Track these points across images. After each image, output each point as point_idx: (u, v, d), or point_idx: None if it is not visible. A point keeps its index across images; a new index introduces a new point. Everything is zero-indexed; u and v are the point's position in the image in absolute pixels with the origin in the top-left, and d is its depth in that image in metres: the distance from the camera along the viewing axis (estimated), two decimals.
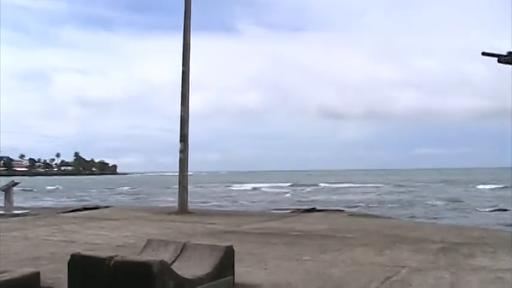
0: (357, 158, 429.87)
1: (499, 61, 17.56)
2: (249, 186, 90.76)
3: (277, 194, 67.33)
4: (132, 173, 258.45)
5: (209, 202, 49.67)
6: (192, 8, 20.02)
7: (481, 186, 78.02)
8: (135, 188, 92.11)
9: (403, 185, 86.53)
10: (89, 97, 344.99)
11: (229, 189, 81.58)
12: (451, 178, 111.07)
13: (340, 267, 8.40)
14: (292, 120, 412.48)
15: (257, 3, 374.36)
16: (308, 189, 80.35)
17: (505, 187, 74.52)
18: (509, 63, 17.25)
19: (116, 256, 5.76)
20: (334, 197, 58.70)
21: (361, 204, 46.83)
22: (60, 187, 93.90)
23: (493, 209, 40.42)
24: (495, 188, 73.78)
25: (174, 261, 6.39)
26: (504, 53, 17.16)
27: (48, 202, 47.08)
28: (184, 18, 19.90)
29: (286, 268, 8.41)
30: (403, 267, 8.35)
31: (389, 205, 46.16)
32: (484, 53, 17.73)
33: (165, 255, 6.37)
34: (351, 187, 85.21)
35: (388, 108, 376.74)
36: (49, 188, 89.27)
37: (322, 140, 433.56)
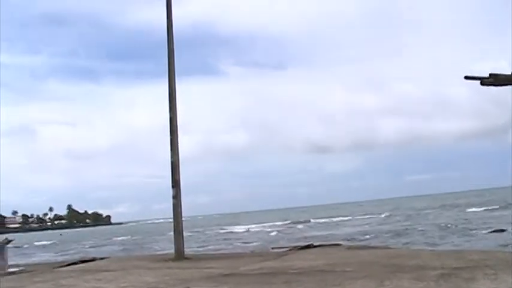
0: (348, 190, 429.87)
1: (482, 83, 17.73)
2: (242, 227, 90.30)
3: (271, 233, 67.01)
4: (127, 222, 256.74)
5: (205, 246, 49.36)
6: (175, 53, 20.19)
7: (474, 209, 78.04)
8: (130, 237, 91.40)
9: (397, 214, 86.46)
10: (77, 149, 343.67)
11: (224, 232, 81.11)
12: (444, 203, 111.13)
13: None
14: (280, 157, 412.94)
15: (238, 44, 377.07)
16: (301, 226, 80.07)
17: (499, 208, 74.71)
18: (492, 85, 17.44)
19: None
20: (330, 232, 58.48)
21: (357, 236, 46.71)
22: (55, 241, 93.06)
23: (490, 230, 40.42)
24: (487, 210, 73.83)
25: None
26: (486, 75, 17.35)
27: (43, 257, 46.63)
28: (168, 67, 20.04)
29: None
30: None
31: (385, 235, 46.03)
32: (466, 77, 17.93)
33: None
34: (345, 220, 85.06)
35: (374, 137, 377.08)
36: (43, 243, 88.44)
37: (311, 174, 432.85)
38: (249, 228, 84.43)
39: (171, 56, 20.05)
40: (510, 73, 17.46)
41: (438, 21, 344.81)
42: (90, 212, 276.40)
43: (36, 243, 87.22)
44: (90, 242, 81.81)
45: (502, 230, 39.62)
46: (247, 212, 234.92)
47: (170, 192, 19.59)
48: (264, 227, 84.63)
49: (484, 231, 40.18)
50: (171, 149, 19.67)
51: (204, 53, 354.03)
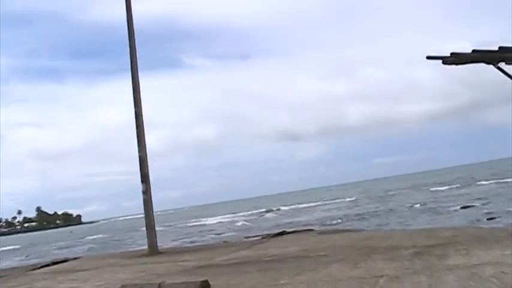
0: (318, 176, 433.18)
1: (443, 63, 17.91)
2: (214, 219, 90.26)
3: (243, 222, 67.07)
4: (98, 221, 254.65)
5: (179, 240, 49.21)
6: (138, 48, 20.05)
7: (443, 188, 79.03)
8: (102, 235, 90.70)
9: (366, 197, 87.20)
10: (45, 150, 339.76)
11: (196, 225, 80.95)
12: (413, 183, 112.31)
13: (318, 286, 8.37)
14: (249, 147, 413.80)
15: (201, 36, 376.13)
16: (273, 213, 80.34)
17: (467, 185, 75.84)
18: (454, 64, 17.59)
19: None
20: (301, 218, 58.73)
21: (328, 221, 47.00)
22: (25, 245, 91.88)
23: (459, 207, 41.01)
24: (456, 187, 74.86)
25: None
26: (447, 54, 17.50)
27: (14, 262, 46.03)
28: (131, 62, 19.88)
29: None
30: (381, 276, 8.37)
31: (356, 218, 46.42)
32: (428, 57, 18.08)
33: None
34: (315, 205, 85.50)
35: (343, 123, 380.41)
36: (13, 247, 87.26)
37: (282, 162, 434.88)
38: (221, 219, 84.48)
39: (132, 51, 19.90)
40: (471, 51, 17.69)
41: (400, 6, 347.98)
42: (60, 212, 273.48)
43: (3, 248, 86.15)
44: (61, 243, 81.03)
45: (470, 206, 40.25)
46: (219, 203, 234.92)
47: (140, 187, 19.47)
48: (236, 217, 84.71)
49: (453, 209, 40.72)
50: (138, 144, 19.54)
51: (168, 47, 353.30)
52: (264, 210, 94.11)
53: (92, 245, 62.38)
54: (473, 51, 17.78)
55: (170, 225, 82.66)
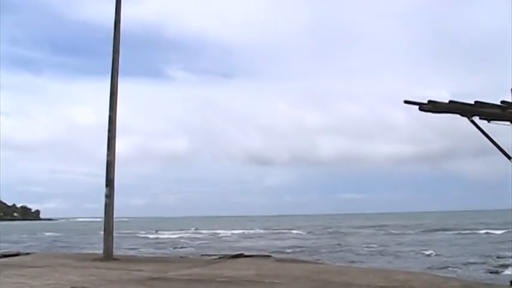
0: (283, 204, 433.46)
1: (420, 109, 18.18)
2: (175, 232, 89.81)
3: (204, 240, 66.84)
4: (57, 219, 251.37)
5: (135, 249, 48.78)
6: (120, 53, 19.99)
7: (405, 231, 79.60)
8: (58, 233, 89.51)
9: (329, 230, 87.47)
10: (10, 139, 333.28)
11: (155, 236, 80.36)
12: (376, 223, 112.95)
13: None
14: (219, 165, 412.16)
15: (186, 49, 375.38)
16: (232, 234, 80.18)
17: (429, 231, 76.53)
18: (430, 111, 17.87)
19: None
20: (262, 243, 58.67)
21: (288, 249, 47.01)
22: None
23: (418, 252, 41.33)
24: (418, 232, 75.46)
25: None
26: (425, 101, 17.77)
27: None
28: (112, 65, 19.83)
29: None
30: None
31: (317, 249, 46.49)
32: (406, 101, 18.34)
33: None
34: (278, 232, 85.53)
35: (313, 154, 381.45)
36: None
37: (249, 185, 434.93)
38: (180, 234, 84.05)
39: (115, 53, 19.85)
40: (447, 102, 17.96)
41: (384, 44, 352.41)
42: (18, 205, 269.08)
43: None
44: (15, 236, 79.74)
45: (427, 253, 40.60)
46: (181, 218, 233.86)
47: (103, 191, 19.33)
48: (196, 233, 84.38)
49: (411, 253, 41.01)
50: (108, 148, 19.44)
51: (151, 56, 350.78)
52: (225, 230, 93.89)
53: (45, 243, 61.52)
54: (450, 101, 18.05)
55: (129, 233, 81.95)
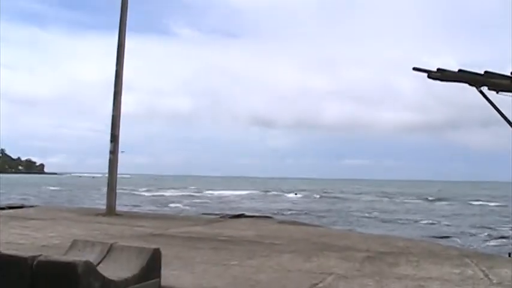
0: (285, 166, 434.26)
1: (429, 77, 18.05)
2: (178, 191, 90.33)
3: (205, 199, 67.23)
4: (61, 173, 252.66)
5: (138, 206, 49.11)
6: (129, 8, 19.82)
7: (407, 199, 79.87)
8: (62, 188, 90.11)
9: (332, 195, 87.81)
10: (16, 93, 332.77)
11: (157, 194, 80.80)
12: (377, 190, 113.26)
13: (267, 273, 8.41)
14: (222, 126, 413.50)
15: (193, 7, 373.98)
16: (233, 195, 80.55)
17: (433, 200, 76.78)
18: (439, 79, 17.76)
19: (40, 256, 5.59)
20: (263, 204, 59.01)
21: (289, 211, 47.27)
22: None
23: (420, 221, 41.52)
24: (420, 201, 75.68)
25: (100, 263, 6.26)
26: (434, 69, 17.64)
27: None
28: (120, 18, 19.66)
29: (213, 272, 8.37)
30: (330, 274, 8.43)
31: (318, 213, 46.69)
32: (415, 68, 18.19)
33: (91, 256, 6.23)
34: (280, 194, 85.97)
35: (318, 118, 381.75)
36: None
37: (252, 146, 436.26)
38: (183, 193, 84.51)
39: (124, 9, 19.67)
40: (457, 70, 17.83)
41: (394, 11, 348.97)
42: (23, 158, 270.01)
43: None
44: (19, 188, 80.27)
45: (429, 222, 40.81)
46: (184, 176, 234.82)
47: (107, 147, 19.35)
48: (199, 193, 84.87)
49: (412, 221, 41.20)
50: (114, 103, 19.38)
51: (158, 13, 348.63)
52: (225, 191, 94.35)
53: (49, 197, 61.96)
54: (460, 70, 17.94)
55: (133, 189, 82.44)
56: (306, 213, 46.25)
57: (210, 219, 20.89)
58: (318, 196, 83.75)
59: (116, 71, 19.48)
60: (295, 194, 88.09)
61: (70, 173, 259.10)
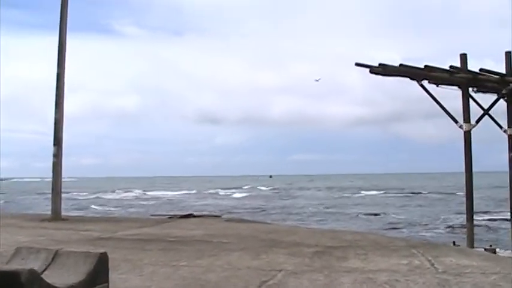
0: (234, 164, 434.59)
1: (371, 72, 18.31)
2: (126, 192, 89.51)
3: (154, 200, 66.79)
4: (3, 179, 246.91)
5: (85, 209, 48.46)
6: (69, 8, 19.46)
7: (356, 193, 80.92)
8: (5, 193, 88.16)
9: (280, 191, 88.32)
10: None
11: (104, 196, 79.94)
12: (326, 184, 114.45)
13: (216, 273, 8.38)
14: (171, 124, 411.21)
15: (135, 5, 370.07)
16: (182, 195, 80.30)
17: (380, 193, 77.96)
18: (381, 74, 18.01)
19: None
20: (211, 202, 58.98)
21: (237, 209, 47.37)
22: None
23: (367, 213, 42.17)
24: (368, 194, 76.77)
25: (45, 270, 6.13)
26: (376, 63, 17.84)
27: None
28: (60, 18, 19.26)
29: (161, 274, 8.30)
30: (279, 270, 8.45)
31: (265, 210, 46.92)
32: (357, 64, 18.42)
33: (36, 264, 6.09)
34: (229, 193, 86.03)
35: (265, 114, 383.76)
36: None
37: (200, 145, 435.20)
38: (131, 194, 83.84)
39: (64, 7, 19.30)
40: (398, 65, 18.14)
41: (337, 6, 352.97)
42: None
43: None
44: None
45: (377, 214, 41.46)
46: (132, 178, 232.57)
47: (51, 150, 19.00)
48: (147, 193, 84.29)
49: (360, 214, 41.79)
50: (56, 106, 18.99)
51: (100, 11, 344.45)
52: (176, 189, 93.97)
53: None
54: (401, 65, 18.28)
55: (78, 193, 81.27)
56: (254, 211, 46.41)
57: (159, 220, 20.72)
58: (265, 190, 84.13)
59: (58, 73, 19.08)
60: (242, 188, 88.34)
61: (15, 178, 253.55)
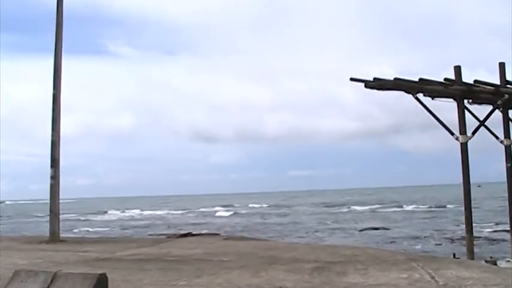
0: (230, 181, 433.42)
1: (366, 86, 18.34)
2: (121, 212, 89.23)
3: (153, 219, 66.53)
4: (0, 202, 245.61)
5: (82, 229, 48.24)
6: (64, 29, 19.54)
7: (355, 207, 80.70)
8: (2, 216, 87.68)
9: (277, 207, 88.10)
10: None
11: (99, 216, 79.58)
12: (324, 200, 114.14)
13: None
14: (164, 143, 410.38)
15: (128, 26, 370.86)
16: (178, 214, 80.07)
17: (379, 207, 77.84)
18: (376, 88, 18.05)
19: None
20: (210, 221, 58.74)
21: (236, 227, 47.19)
22: None
23: (365, 228, 42.01)
24: (366, 208, 76.62)
25: None
26: (370, 77, 17.87)
27: None
28: (56, 41, 19.36)
29: None
30: (279, 287, 8.43)
31: (264, 227, 46.77)
32: (352, 79, 18.46)
33: (34, 287, 6.08)
34: (227, 210, 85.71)
35: (260, 131, 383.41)
36: None
37: (195, 163, 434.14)
38: (127, 214, 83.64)
39: (59, 30, 19.38)
40: (393, 79, 18.18)
41: (328, 21, 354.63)
42: None
43: None
44: None
45: (375, 229, 41.30)
46: (128, 198, 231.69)
47: (48, 171, 18.96)
48: (143, 213, 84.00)
49: (358, 229, 41.65)
50: (52, 128, 19.03)
51: (94, 32, 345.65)
52: (171, 209, 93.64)
53: None
54: (395, 79, 18.30)
55: (77, 214, 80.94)
56: (251, 229, 46.24)
57: (157, 239, 20.66)
58: (264, 209, 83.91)
59: (53, 95, 19.14)
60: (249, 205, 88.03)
61: (10, 200, 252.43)
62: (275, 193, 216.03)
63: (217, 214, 76.91)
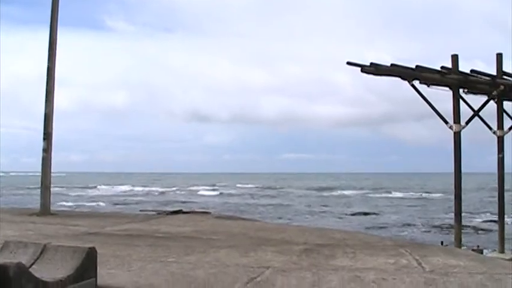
0: (223, 162, 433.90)
1: (362, 71, 18.31)
2: (116, 188, 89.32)
3: (144, 195, 66.67)
4: None
5: (73, 203, 48.31)
6: (60, 3, 19.38)
7: (345, 192, 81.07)
8: None
9: (270, 189, 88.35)
10: None
11: (94, 191, 79.72)
12: (316, 184, 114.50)
13: (204, 269, 8.39)
14: (159, 121, 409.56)
15: (127, 1, 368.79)
16: (170, 191, 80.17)
17: (370, 193, 78.16)
18: (372, 74, 18.01)
19: None
20: (201, 200, 58.93)
21: (228, 206, 47.38)
22: None
23: (355, 212, 42.29)
24: (358, 193, 76.96)
25: (33, 264, 6.12)
26: (367, 63, 17.86)
27: None
28: (51, 13, 19.21)
29: (150, 270, 8.30)
30: (267, 268, 8.47)
31: (255, 208, 46.95)
32: (348, 63, 18.41)
33: (24, 258, 6.08)
34: (219, 189, 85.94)
35: (255, 113, 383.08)
36: None
37: (189, 143, 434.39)
38: (121, 189, 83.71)
39: (55, 3, 19.24)
40: (389, 65, 18.19)
41: (328, 7, 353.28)
42: None
43: None
44: None
45: (366, 214, 41.58)
46: (121, 173, 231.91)
47: (41, 145, 18.92)
48: (135, 190, 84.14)
49: (349, 213, 41.89)
50: (46, 100, 18.93)
51: (91, 7, 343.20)
52: (166, 186, 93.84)
53: None
54: (392, 65, 18.32)
55: (67, 188, 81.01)
56: (243, 208, 46.42)
57: (147, 216, 20.68)
58: (255, 190, 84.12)
59: (48, 67, 19.03)
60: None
61: (4, 172, 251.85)
62: (267, 174, 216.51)
63: (207, 193, 77.18)
